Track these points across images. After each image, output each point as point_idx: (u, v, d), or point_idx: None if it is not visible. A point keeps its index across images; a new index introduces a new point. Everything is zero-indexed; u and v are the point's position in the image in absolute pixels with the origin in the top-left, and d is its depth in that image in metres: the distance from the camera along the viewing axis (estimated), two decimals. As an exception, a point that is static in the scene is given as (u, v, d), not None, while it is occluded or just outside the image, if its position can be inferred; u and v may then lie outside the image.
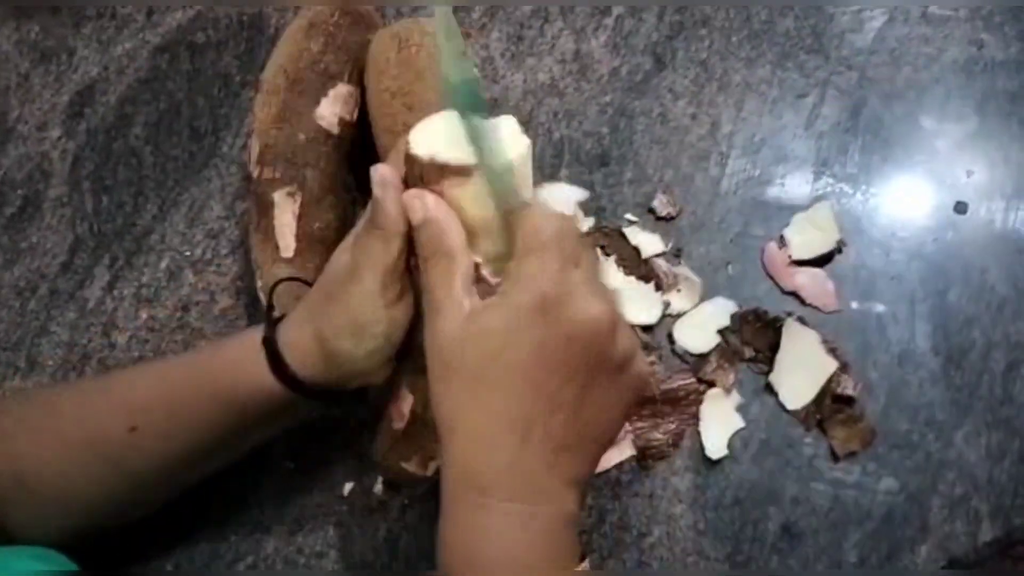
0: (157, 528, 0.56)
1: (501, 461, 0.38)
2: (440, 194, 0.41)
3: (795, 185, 0.63)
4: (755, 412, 0.58)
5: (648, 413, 0.57)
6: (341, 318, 0.44)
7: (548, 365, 0.37)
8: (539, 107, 0.67)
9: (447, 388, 0.39)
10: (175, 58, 0.70)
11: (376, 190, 0.42)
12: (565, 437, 0.38)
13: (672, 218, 0.63)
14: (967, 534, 0.54)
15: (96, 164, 0.67)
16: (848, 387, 0.57)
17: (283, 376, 0.46)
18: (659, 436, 0.57)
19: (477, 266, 0.41)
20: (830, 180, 0.63)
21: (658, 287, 0.60)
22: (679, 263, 0.61)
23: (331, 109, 0.58)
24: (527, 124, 0.65)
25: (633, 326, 0.57)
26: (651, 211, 0.63)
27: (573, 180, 0.64)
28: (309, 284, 0.49)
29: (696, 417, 0.57)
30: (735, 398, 0.58)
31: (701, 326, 0.59)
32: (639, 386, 0.41)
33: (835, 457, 0.56)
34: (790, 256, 0.61)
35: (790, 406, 0.57)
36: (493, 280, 0.41)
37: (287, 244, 0.56)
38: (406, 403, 0.47)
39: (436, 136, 0.41)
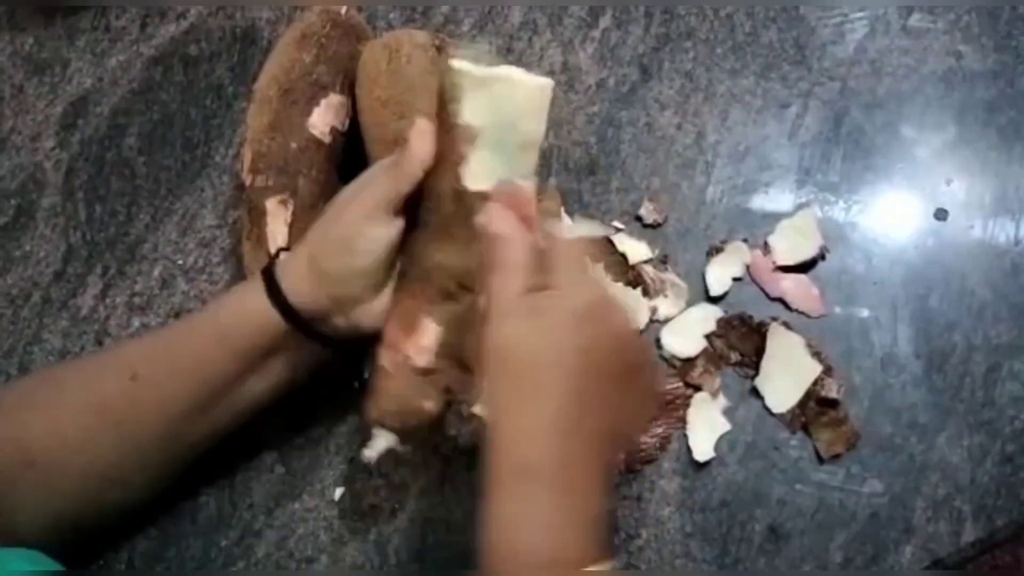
0: (147, 532, 0.56)
1: (548, 454, 0.41)
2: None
3: (779, 193, 0.65)
4: (741, 415, 0.58)
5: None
6: (333, 237, 0.49)
7: (592, 368, 0.42)
8: (528, 117, 0.68)
9: (501, 384, 0.42)
10: (168, 70, 0.71)
11: (414, 134, 0.48)
12: (602, 434, 0.42)
13: (659, 225, 0.64)
14: (950, 535, 0.55)
15: (89, 174, 0.67)
16: (832, 390, 0.57)
17: (279, 303, 0.49)
18: (647, 440, 0.57)
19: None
20: (813, 188, 0.65)
21: (645, 293, 0.61)
22: (666, 269, 0.62)
23: (323, 119, 0.59)
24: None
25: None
26: (638, 218, 0.64)
27: (561, 188, 0.65)
28: None
29: (683, 421, 0.58)
30: (721, 402, 0.58)
31: (688, 331, 0.60)
32: (657, 389, 0.46)
33: (820, 459, 0.57)
34: (775, 262, 0.62)
35: (776, 409, 0.58)
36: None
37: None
38: (427, 335, 0.48)
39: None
